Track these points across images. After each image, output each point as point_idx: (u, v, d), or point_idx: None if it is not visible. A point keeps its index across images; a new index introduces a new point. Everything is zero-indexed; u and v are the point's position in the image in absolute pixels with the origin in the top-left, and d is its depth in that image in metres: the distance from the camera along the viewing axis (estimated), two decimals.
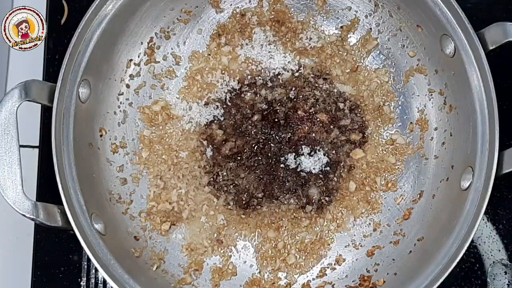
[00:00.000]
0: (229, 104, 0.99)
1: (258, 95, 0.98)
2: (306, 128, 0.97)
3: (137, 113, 0.97)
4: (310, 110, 0.97)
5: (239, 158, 0.97)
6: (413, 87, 0.98)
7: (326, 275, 0.94)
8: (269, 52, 1.00)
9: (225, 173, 0.96)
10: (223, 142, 0.97)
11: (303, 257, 0.95)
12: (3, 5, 1.02)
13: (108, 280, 0.83)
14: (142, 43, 0.97)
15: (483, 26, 0.87)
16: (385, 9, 0.97)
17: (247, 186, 0.96)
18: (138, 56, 0.97)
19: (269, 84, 0.99)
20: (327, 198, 0.96)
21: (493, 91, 0.85)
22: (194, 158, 0.97)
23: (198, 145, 0.97)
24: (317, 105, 0.98)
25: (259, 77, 0.99)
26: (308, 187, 0.96)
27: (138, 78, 0.98)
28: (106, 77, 0.94)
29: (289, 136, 0.97)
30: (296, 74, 0.99)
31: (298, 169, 0.96)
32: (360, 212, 0.96)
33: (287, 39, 1.00)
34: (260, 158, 0.97)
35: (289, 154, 0.96)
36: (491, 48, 0.86)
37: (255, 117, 0.97)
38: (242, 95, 0.99)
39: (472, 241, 0.86)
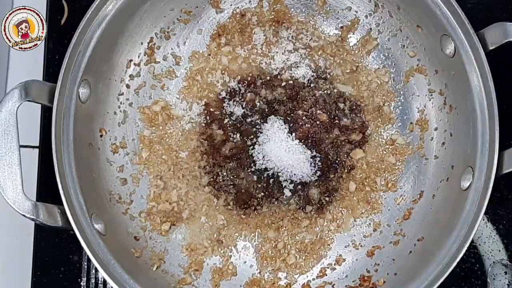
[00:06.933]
0: (229, 104, 0.98)
1: (258, 95, 0.98)
2: (306, 128, 0.97)
3: (137, 113, 0.97)
4: (310, 110, 0.97)
5: (239, 158, 0.97)
6: (413, 87, 0.98)
7: (326, 275, 0.94)
8: (269, 52, 1.00)
9: (225, 173, 0.96)
10: (223, 142, 0.97)
11: (303, 257, 0.95)
12: (3, 5, 1.02)
13: (108, 280, 0.83)
14: (142, 43, 0.97)
15: (483, 26, 0.87)
16: (385, 9, 0.97)
17: (247, 186, 0.96)
18: (138, 56, 0.97)
19: (269, 84, 0.99)
20: (327, 198, 0.96)
21: (493, 91, 0.85)
22: (194, 158, 0.97)
23: (198, 145, 0.97)
24: (317, 105, 0.98)
25: (259, 77, 0.99)
26: (308, 187, 0.96)
27: (138, 78, 0.98)
28: (106, 77, 0.94)
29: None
30: (297, 74, 0.99)
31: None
32: (360, 212, 0.96)
33: (287, 39, 1.00)
34: None
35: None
36: (491, 48, 0.86)
37: (255, 117, 0.97)
38: (242, 95, 0.99)
39: (472, 241, 0.86)
